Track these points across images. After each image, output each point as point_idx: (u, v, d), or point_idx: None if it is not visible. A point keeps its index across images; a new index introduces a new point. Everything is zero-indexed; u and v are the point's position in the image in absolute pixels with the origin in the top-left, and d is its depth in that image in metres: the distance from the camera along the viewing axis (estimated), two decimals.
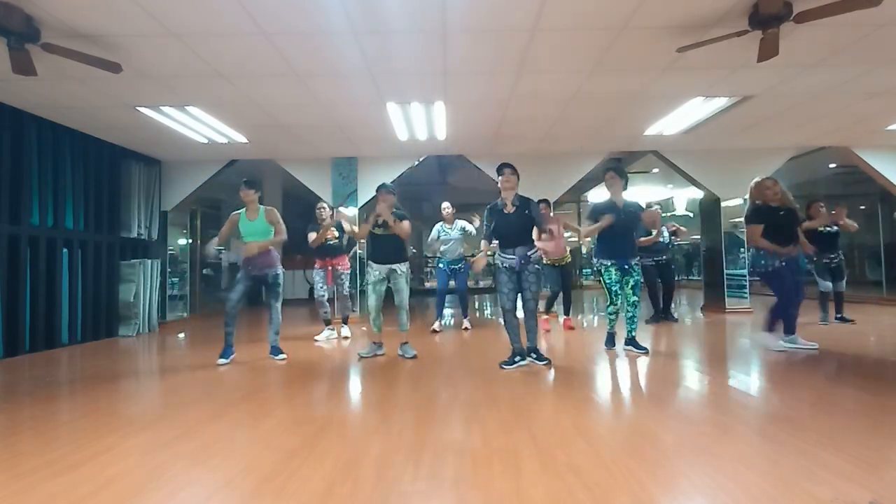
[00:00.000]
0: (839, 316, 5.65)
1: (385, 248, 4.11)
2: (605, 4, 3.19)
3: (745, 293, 7.14)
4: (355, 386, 3.40)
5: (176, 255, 7.67)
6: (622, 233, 4.03)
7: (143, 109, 4.92)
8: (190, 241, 8.21)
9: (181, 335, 6.13)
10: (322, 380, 3.51)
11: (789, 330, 4.06)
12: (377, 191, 4.13)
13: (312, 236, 5.13)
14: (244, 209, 4.11)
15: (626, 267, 4.04)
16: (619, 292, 4.07)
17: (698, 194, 8.03)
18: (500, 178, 3.77)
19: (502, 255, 3.76)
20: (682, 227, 6.69)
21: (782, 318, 4.03)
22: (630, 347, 4.10)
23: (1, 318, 4.61)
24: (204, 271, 8.70)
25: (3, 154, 4.70)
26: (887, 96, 5.01)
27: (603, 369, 3.62)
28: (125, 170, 6.36)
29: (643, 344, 4.12)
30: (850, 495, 1.57)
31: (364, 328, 6.02)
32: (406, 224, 4.08)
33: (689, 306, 8.72)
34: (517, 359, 3.67)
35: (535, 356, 3.72)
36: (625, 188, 4.10)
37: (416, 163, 7.17)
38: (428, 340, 5.10)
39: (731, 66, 4.15)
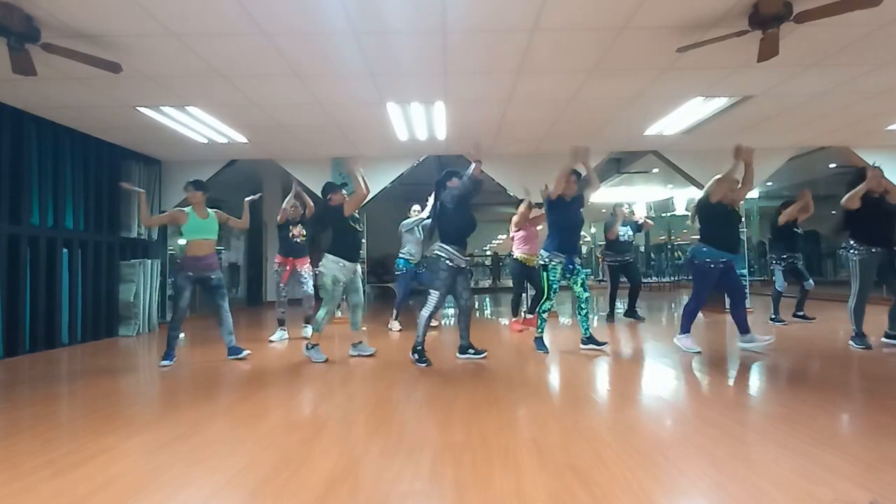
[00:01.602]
0: (800, 314, 5.72)
1: (357, 245, 4.13)
2: (605, 4, 3.19)
3: (746, 293, 7.14)
4: (354, 386, 3.40)
5: (176, 255, 7.66)
6: (573, 229, 4.15)
7: (143, 109, 4.92)
8: None
9: (181, 335, 6.12)
10: (321, 380, 3.51)
11: (743, 331, 4.08)
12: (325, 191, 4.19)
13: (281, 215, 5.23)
14: (190, 208, 4.13)
15: (572, 266, 4.13)
16: (557, 290, 4.16)
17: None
18: (453, 179, 3.99)
19: (452, 250, 3.83)
20: (648, 220, 6.61)
21: (691, 316, 4.09)
22: (590, 346, 4.17)
23: (1, 318, 4.61)
24: None
25: (3, 154, 4.70)
26: (887, 96, 5.01)
27: (602, 370, 3.63)
28: (125, 170, 6.35)
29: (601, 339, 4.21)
30: (850, 495, 1.57)
31: (364, 328, 6.01)
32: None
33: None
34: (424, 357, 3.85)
35: (472, 352, 3.97)
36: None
37: (416, 163, 7.17)
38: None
39: (731, 66, 4.15)
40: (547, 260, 4.12)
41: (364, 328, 4.11)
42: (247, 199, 4.58)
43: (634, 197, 13.33)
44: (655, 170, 9.73)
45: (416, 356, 3.83)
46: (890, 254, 3.97)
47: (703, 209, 4.12)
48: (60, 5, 3.06)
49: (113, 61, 3.49)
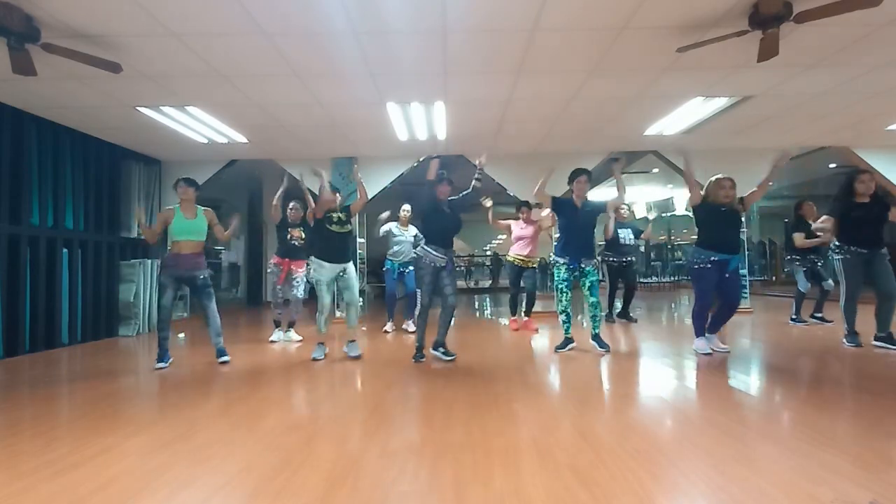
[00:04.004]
0: (818, 315, 5.67)
1: (339, 246, 4.14)
2: (605, 4, 3.19)
3: (745, 293, 7.14)
4: (355, 386, 3.40)
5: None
6: (579, 232, 4.14)
7: (143, 109, 4.92)
8: None
9: (181, 335, 6.13)
10: (321, 380, 3.51)
11: (712, 329, 4.05)
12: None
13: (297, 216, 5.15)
14: (178, 206, 4.03)
15: (576, 266, 4.11)
16: (565, 291, 4.17)
17: None
18: (443, 186, 3.95)
19: (431, 250, 3.88)
20: (649, 230, 6.64)
21: (699, 318, 4.01)
22: (594, 344, 4.18)
23: (1, 318, 4.61)
24: None
25: (3, 154, 4.70)
26: (887, 96, 5.01)
27: (603, 370, 3.62)
28: (125, 170, 6.36)
29: (606, 342, 4.18)
30: (850, 495, 1.57)
31: (364, 328, 6.01)
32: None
33: (690, 307, 8.71)
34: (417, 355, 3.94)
35: (441, 350, 3.96)
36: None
37: (416, 163, 7.17)
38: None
39: (731, 66, 4.15)
40: (553, 262, 4.23)
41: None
42: (234, 218, 4.39)
43: (634, 197, 13.31)
44: (655, 170, 9.74)
45: (441, 351, 3.94)
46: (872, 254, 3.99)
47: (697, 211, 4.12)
48: (60, 5, 3.06)
49: (113, 61, 3.49)
